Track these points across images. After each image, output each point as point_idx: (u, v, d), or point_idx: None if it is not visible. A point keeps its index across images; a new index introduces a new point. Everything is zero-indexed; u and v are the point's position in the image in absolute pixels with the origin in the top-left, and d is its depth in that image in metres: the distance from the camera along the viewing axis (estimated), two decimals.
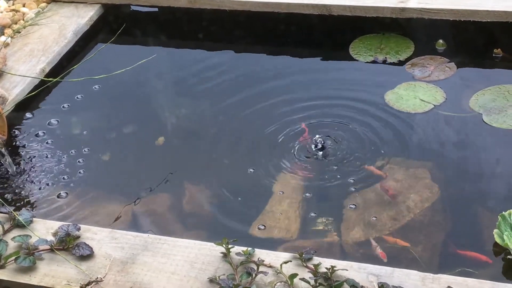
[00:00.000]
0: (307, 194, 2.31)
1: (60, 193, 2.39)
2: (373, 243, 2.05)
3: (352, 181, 2.32)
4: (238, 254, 1.86)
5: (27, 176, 2.48)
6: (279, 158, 2.45)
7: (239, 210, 2.31)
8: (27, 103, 2.79)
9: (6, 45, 3.03)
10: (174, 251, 1.94)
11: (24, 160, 2.55)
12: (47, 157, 2.56)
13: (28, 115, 2.78)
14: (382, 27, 3.02)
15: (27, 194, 2.41)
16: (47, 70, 2.90)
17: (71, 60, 3.04)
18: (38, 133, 2.67)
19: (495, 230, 2.00)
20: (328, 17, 2.99)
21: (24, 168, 2.51)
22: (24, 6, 3.34)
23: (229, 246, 1.88)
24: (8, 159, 2.48)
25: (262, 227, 2.20)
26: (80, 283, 1.86)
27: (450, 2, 2.87)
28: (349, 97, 2.72)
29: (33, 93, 2.78)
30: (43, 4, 3.35)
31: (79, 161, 2.53)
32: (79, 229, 2.01)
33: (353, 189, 2.29)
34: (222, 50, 3.15)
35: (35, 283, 1.88)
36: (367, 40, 3.02)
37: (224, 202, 2.35)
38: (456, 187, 2.30)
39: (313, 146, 2.46)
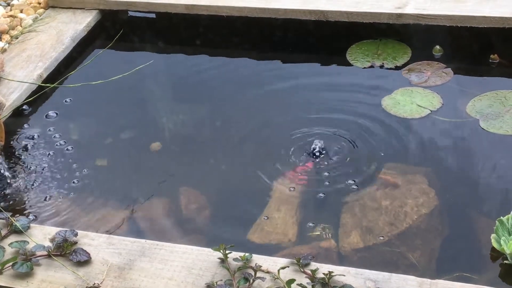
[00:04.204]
0: (304, 200, 2.31)
1: (57, 199, 2.39)
2: None
3: (349, 186, 2.32)
4: (235, 259, 1.86)
5: (24, 181, 2.48)
6: (276, 163, 2.45)
7: (237, 216, 2.31)
8: (25, 109, 2.80)
9: (3, 51, 3.03)
10: (172, 257, 1.93)
11: (21, 166, 2.55)
12: (44, 162, 2.55)
13: (25, 120, 2.78)
14: (379, 33, 3.02)
15: (24, 200, 2.41)
16: (45, 76, 2.90)
17: (68, 66, 3.04)
18: (35, 139, 2.67)
19: (493, 235, 2.00)
20: (325, 23, 3.00)
21: (21, 174, 2.51)
22: (21, 12, 3.35)
23: (227, 251, 1.88)
24: (5, 165, 2.48)
25: (260, 233, 2.20)
26: None
27: (446, 8, 2.87)
28: (346, 102, 2.72)
29: (30, 99, 2.78)
30: (41, 10, 3.35)
31: (76, 167, 2.53)
32: (76, 234, 2.01)
33: (350, 193, 2.30)
34: (219, 56, 3.16)
35: None
36: (364, 46, 3.02)
37: (221, 208, 2.35)
38: (453, 193, 2.30)
39: (310, 152, 2.46)
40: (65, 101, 2.88)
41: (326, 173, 2.39)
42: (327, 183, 2.35)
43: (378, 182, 2.33)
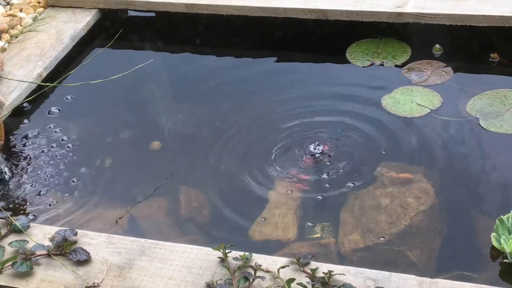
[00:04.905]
0: (304, 199, 2.30)
1: (57, 198, 2.39)
2: None
3: (348, 185, 2.32)
4: (235, 259, 1.86)
5: (23, 181, 2.48)
6: (276, 163, 2.45)
7: (237, 215, 2.30)
8: (24, 107, 2.80)
9: (3, 50, 3.03)
10: (171, 256, 1.93)
11: (20, 165, 2.55)
12: (43, 162, 2.55)
13: (24, 120, 2.78)
14: (378, 32, 3.02)
15: (24, 199, 2.41)
16: (44, 75, 2.90)
17: (68, 65, 3.04)
18: (34, 138, 2.67)
19: (493, 234, 2.00)
20: (324, 22, 3.00)
21: (20, 173, 2.51)
22: (21, 11, 3.34)
23: (226, 251, 1.88)
24: (5, 164, 2.48)
25: (260, 232, 2.20)
26: None
27: (446, 7, 2.87)
28: (346, 101, 2.72)
29: (30, 98, 2.78)
30: (40, 9, 3.35)
31: (76, 166, 2.53)
32: (76, 234, 2.01)
33: (350, 192, 2.29)
34: (218, 55, 3.16)
35: None
36: (364, 45, 3.02)
37: (221, 207, 2.35)
38: (453, 191, 2.30)
39: (310, 152, 2.46)
40: (66, 98, 2.88)
41: (326, 173, 2.39)
42: (327, 182, 2.35)
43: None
